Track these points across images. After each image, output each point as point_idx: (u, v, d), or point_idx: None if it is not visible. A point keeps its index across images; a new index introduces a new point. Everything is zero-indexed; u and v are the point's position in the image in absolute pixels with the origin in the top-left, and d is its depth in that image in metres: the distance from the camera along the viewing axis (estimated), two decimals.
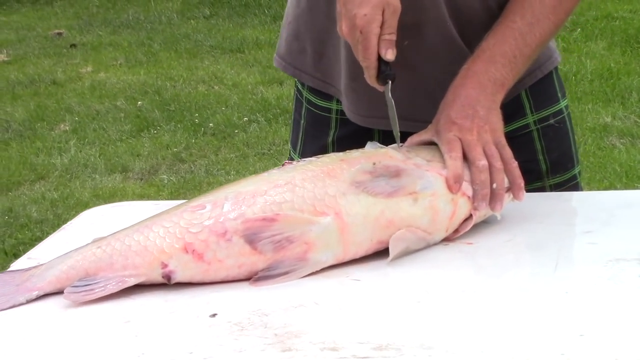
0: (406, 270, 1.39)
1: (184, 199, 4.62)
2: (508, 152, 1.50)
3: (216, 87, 6.56)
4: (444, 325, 1.21)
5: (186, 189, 4.71)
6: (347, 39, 1.48)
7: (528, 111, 1.74)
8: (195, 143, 5.42)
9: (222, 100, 6.16)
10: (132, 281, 1.32)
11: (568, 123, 1.80)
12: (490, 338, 1.16)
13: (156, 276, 1.33)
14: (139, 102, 6.30)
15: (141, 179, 4.95)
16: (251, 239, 1.34)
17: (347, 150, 1.50)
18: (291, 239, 1.35)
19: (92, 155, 5.32)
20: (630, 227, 1.50)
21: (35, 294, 1.32)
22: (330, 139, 1.80)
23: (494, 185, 1.47)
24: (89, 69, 7.42)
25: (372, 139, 1.69)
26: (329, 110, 1.81)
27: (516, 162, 1.50)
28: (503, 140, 1.51)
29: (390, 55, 1.48)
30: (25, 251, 3.88)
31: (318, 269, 1.37)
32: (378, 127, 1.73)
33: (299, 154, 1.86)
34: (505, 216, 1.54)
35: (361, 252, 1.40)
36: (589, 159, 4.63)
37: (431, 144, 1.52)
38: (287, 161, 1.48)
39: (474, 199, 1.47)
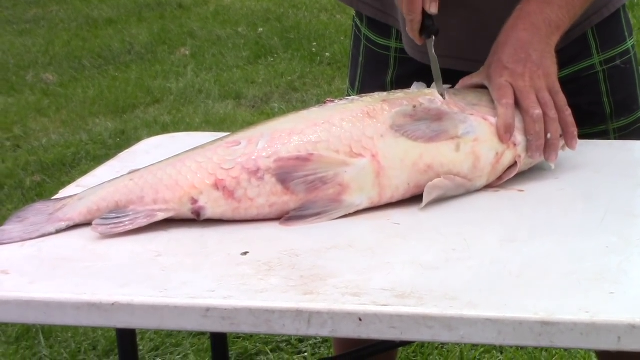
0: (450, 215, 1.35)
1: None
2: (562, 99, 1.43)
3: (338, 16, 6.51)
4: (474, 276, 1.16)
5: None
6: None
7: (594, 51, 1.66)
8: (310, 72, 5.40)
9: (342, 29, 6.11)
10: (161, 216, 1.31)
11: (634, 63, 1.70)
12: (517, 292, 1.12)
13: (186, 212, 1.32)
14: (260, 29, 6.31)
15: (253, 107, 4.97)
16: (283, 178, 1.32)
17: (392, 90, 1.45)
18: (325, 179, 1.32)
19: (207, 80, 5.36)
20: None
21: (64, 224, 1.32)
22: (389, 78, 1.75)
23: (549, 136, 1.41)
24: None
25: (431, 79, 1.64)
26: (387, 49, 1.75)
27: (570, 110, 1.43)
28: (557, 86, 1.44)
29: (434, 9, 1.43)
30: None
31: (351, 211, 1.34)
32: None
33: (357, 92, 1.80)
34: (563, 164, 1.47)
35: (398, 196, 1.36)
36: None
37: (482, 87, 1.46)
38: (329, 99, 1.44)
39: (528, 149, 1.42)
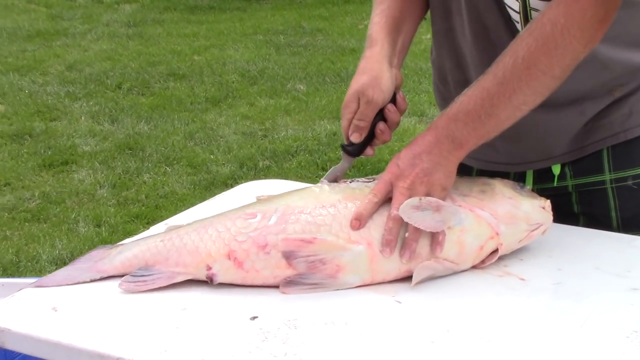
0: (453, 301, 0.99)
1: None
2: None
3: None
4: None
5: None
6: None
7: (606, 169, 1.19)
8: None
9: None
10: (180, 278, 1.02)
11: None
12: None
13: (201, 276, 1.02)
14: None
15: None
16: (288, 256, 1.00)
17: None
18: (324, 260, 0.99)
19: None
20: None
21: (99, 275, 1.04)
22: None
23: (406, 234, 1.01)
24: None
25: None
26: None
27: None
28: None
29: (353, 138, 1.14)
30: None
31: (344, 288, 1.01)
32: None
33: None
34: (567, 253, 1.08)
35: (389, 279, 1.02)
36: None
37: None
38: (343, 180, 1.10)
39: (381, 241, 1.02)
